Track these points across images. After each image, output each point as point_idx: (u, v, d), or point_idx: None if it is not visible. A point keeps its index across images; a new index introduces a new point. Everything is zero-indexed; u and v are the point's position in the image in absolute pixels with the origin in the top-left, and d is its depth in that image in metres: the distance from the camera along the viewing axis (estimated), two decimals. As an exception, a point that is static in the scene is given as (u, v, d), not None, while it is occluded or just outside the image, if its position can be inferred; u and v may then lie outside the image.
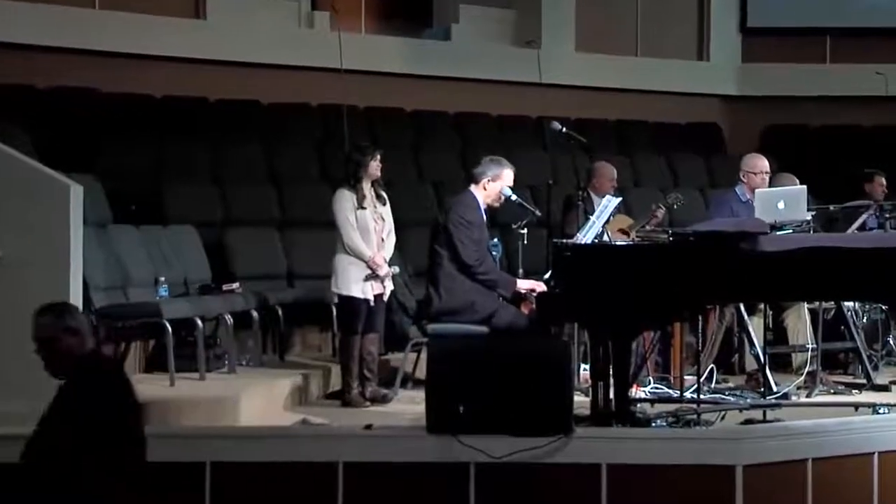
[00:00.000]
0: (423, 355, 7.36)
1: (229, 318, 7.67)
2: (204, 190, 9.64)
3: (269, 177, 10.22)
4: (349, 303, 7.23)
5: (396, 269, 7.38)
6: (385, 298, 7.34)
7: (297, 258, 9.26)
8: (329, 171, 10.22)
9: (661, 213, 8.49)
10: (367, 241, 7.22)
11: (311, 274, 9.10)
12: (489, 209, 7.35)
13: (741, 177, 8.08)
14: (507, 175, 7.28)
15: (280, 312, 8.42)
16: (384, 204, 7.36)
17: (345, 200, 7.24)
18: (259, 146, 10.45)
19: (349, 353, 7.24)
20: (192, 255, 8.44)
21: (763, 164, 8.06)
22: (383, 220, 7.33)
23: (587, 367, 6.93)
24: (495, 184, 7.23)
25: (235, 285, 8.08)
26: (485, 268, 7.13)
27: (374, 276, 7.21)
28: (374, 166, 7.27)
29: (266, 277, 8.98)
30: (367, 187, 7.28)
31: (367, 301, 7.20)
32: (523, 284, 7.20)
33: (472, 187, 7.29)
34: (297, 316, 8.71)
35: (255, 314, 8.02)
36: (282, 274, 9.19)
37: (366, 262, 7.19)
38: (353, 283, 7.19)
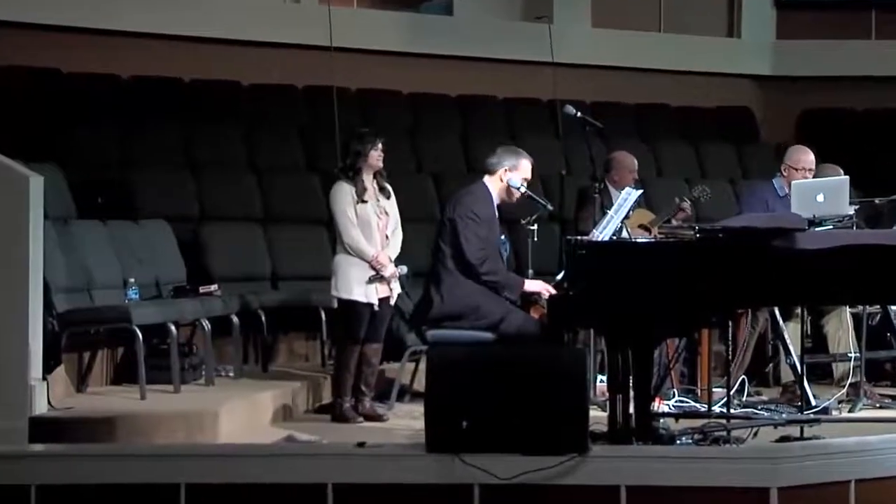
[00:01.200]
0: (422, 365, 7.39)
1: (207, 324, 7.68)
2: (178, 181, 9.64)
3: (250, 167, 10.22)
4: (351, 308, 7.24)
5: (404, 270, 7.37)
6: (392, 302, 7.35)
7: (281, 257, 9.27)
8: (317, 160, 10.24)
9: (686, 206, 8.50)
10: (369, 239, 7.23)
11: (297, 275, 9.12)
12: (501, 205, 7.34)
13: (782, 170, 8.09)
14: (525, 167, 7.28)
15: (263, 317, 8.44)
16: (388, 197, 7.37)
17: (343, 194, 7.24)
18: (240, 132, 10.46)
19: (346, 362, 7.25)
20: (166, 254, 8.45)
21: (808, 158, 8.06)
22: (387, 214, 7.34)
23: (604, 378, 6.93)
24: (512, 174, 7.23)
25: (213, 287, 8.09)
26: (489, 267, 7.13)
27: (378, 277, 7.21)
28: (375, 156, 7.28)
29: (247, 278, 9.00)
30: (368, 179, 7.29)
31: (370, 305, 7.21)
32: (533, 286, 7.19)
33: (487, 179, 7.28)
34: (282, 321, 8.73)
35: (235, 319, 8.04)
36: (265, 275, 9.20)
37: (368, 262, 7.19)
38: (356, 285, 7.19)
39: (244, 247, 9.17)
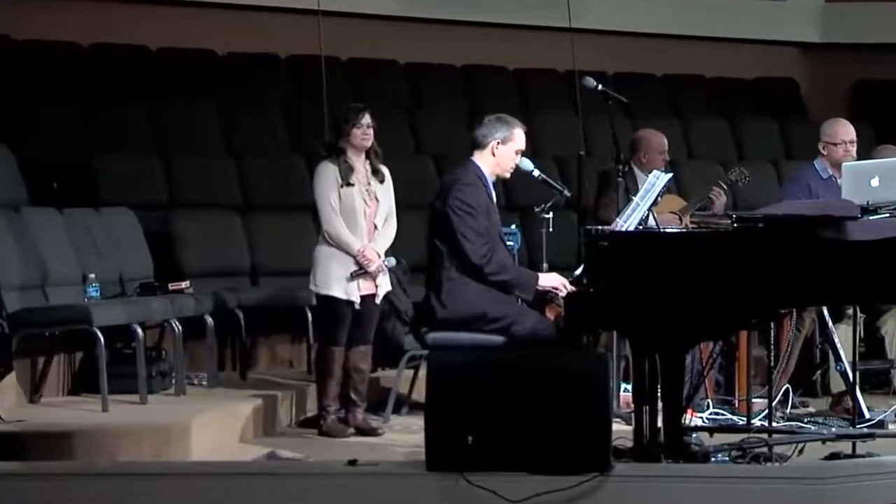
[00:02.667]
0: (422, 372, 7.39)
1: (177, 326, 7.70)
2: (145, 164, 9.66)
3: (226, 148, 10.24)
4: (329, 305, 7.25)
5: (392, 262, 7.39)
6: (378, 301, 7.36)
7: (262, 250, 9.30)
8: (302, 140, 10.25)
9: (722, 192, 8.49)
10: (353, 228, 7.23)
11: (280, 270, 9.14)
12: (499, 183, 7.32)
13: (820, 148, 8.10)
14: (519, 136, 7.25)
15: (241, 318, 8.47)
16: (382, 181, 7.38)
17: (326, 176, 7.26)
18: (214, 109, 10.48)
19: (328, 367, 7.27)
20: (130, 246, 8.46)
21: (846, 131, 8.06)
22: (377, 200, 7.33)
23: (629, 387, 6.94)
24: (505, 147, 7.20)
25: (185, 284, 8.10)
26: (496, 265, 7.11)
27: (361, 272, 7.21)
28: (359, 134, 7.28)
29: (224, 274, 9.02)
30: (356, 159, 7.29)
31: (351, 304, 7.21)
32: (548, 281, 7.19)
33: (476, 155, 7.26)
34: (262, 322, 8.76)
35: (209, 320, 8.06)
36: (243, 269, 9.23)
37: (352, 255, 7.19)
38: (335, 280, 7.21)
39: (220, 238, 9.20)
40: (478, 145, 7.24)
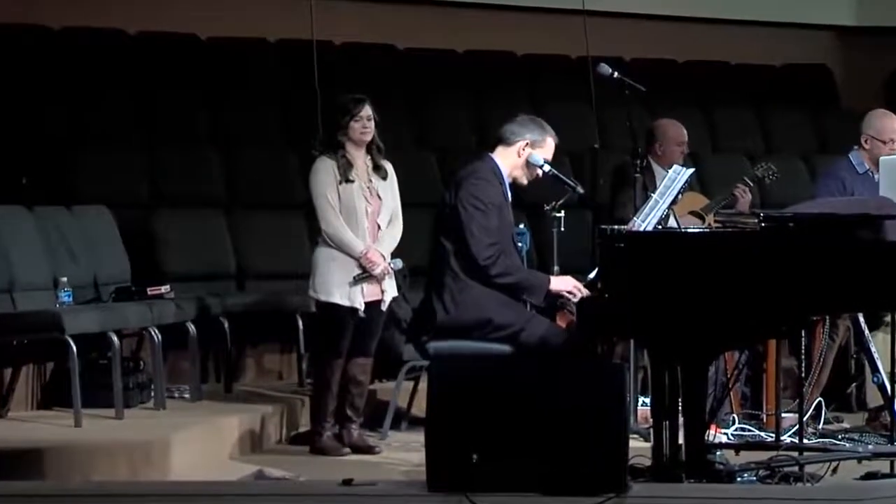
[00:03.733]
0: (423, 384, 7.39)
1: (157, 334, 7.69)
2: (123, 158, 9.66)
3: (211, 139, 10.24)
4: (330, 312, 7.25)
5: (398, 264, 7.37)
6: (384, 308, 7.35)
7: (250, 251, 9.29)
8: (295, 131, 10.23)
9: (747, 189, 8.49)
10: (354, 228, 7.23)
11: (269, 273, 9.14)
12: (514, 186, 7.34)
13: (863, 142, 8.07)
14: (550, 146, 7.31)
15: (226, 325, 8.46)
16: (384, 178, 7.37)
17: (324, 172, 7.26)
18: (198, 97, 10.48)
19: (326, 380, 7.27)
20: (106, 247, 8.45)
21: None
22: (380, 199, 7.34)
23: (647, 400, 6.93)
24: (533, 151, 7.24)
25: (165, 288, 8.09)
26: (502, 267, 7.11)
27: (365, 276, 7.22)
28: (358, 128, 7.28)
29: (208, 277, 9.02)
30: (357, 154, 7.30)
31: (354, 311, 7.21)
32: (560, 284, 7.19)
33: (498, 151, 7.27)
34: (250, 330, 8.76)
35: (191, 328, 8.05)
36: (229, 272, 9.23)
37: (355, 257, 7.20)
38: (336, 285, 7.20)
39: (203, 238, 9.18)
40: (503, 141, 7.26)
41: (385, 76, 11.19)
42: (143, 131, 10.07)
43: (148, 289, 8.00)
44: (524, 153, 7.23)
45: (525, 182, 7.32)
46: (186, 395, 8.07)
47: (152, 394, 7.76)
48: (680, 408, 5.99)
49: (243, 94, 10.68)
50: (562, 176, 7.48)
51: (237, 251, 9.28)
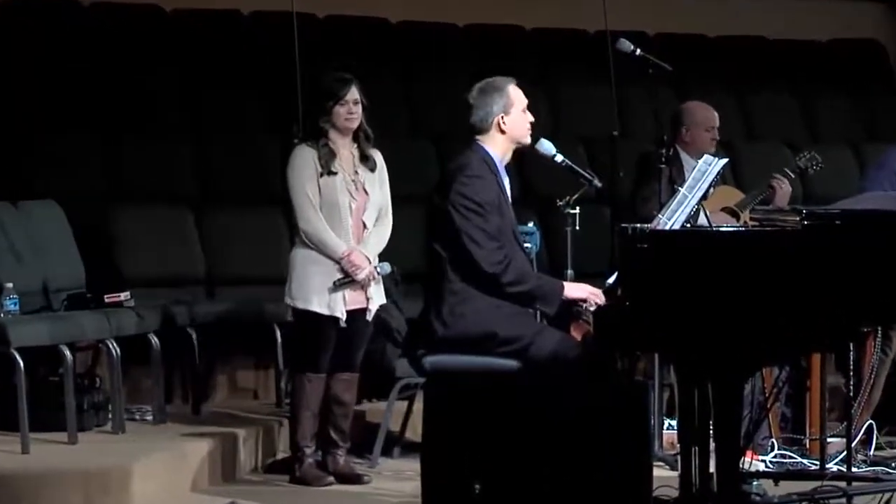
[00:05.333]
0: (418, 404, 7.36)
1: (115, 347, 7.67)
2: (78, 146, 9.66)
3: (177, 124, 10.24)
4: (308, 322, 7.25)
5: (386, 268, 7.38)
6: (370, 317, 7.35)
7: (222, 253, 9.30)
8: (271, 116, 10.25)
9: (778, 184, 8.49)
10: (337, 226, 7.23)
11: (242, 278, 9.14)
12: (514, 170, 7.29)
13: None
14: (515, 93, 7.21)
15: (195, 337, 8.45)
16: (373, 169, 7.37)
17: (302, 163, 7.26)
18: (163, 76, 10.46)
19: (304, 398, 7.27)
20: (58, 248, 8.43)
21: None
22: (367, 193, 7.33)
23: (674, 423, 6.92)
24: (510, 116, 7.16)
25: (125, 295, 8.08)
26: (514, 273, 7.05)
27: (348, 280, 7.20)
28: (342, 112, 7.28)
29: (173, 283, 9.03)
30: (340, 142, 7.30)
31: (335, 320, 7.21)
32: (575, 292, 7.16)
33: (480, 138, 7.22)
34: (221, 343, 8.77)
35: (155, 341, 8.04)
36: (198, 277, 9.24)
37: (336, 260, 7.19)
38: (315, 291, 7.20)
39: (169, 238, 9.19)
40: (480, 131, 7.23)
41: (375, 53, 11.20)
42: (99, 115, 10.04)
43: (105, 296, 7.98)
44: (506, 126, 7.18)
45: (528, 141, 7.23)
46: (149, 417, 8.07)
47: (110, 415, 7.75)
48: (711, 431, 5.98)
49: (214, 74, 10.65)
50: (576, 167, 7.47)
51: (207, 253, 9.28)
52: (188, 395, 8.66)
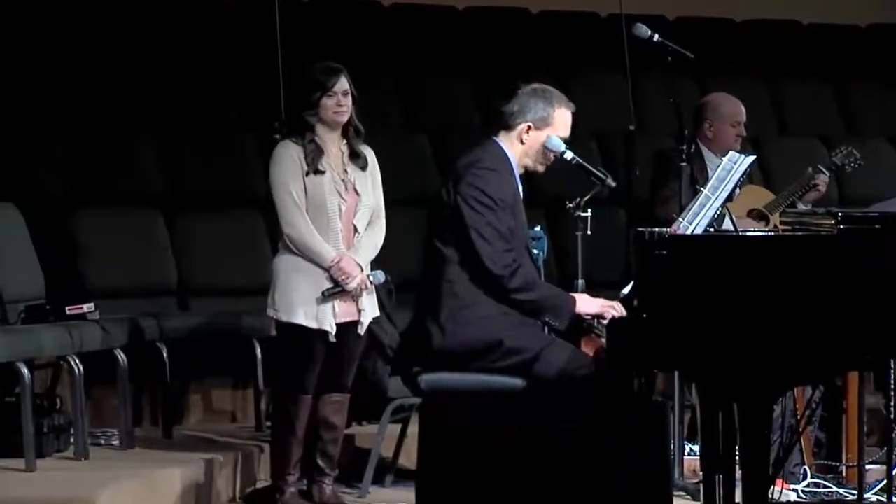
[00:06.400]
0: (413, 428, 7.36)
1: (77, 364, 7.66)
2: (37, 144, 9.67)
3: (147, 121, 10.25)
4: (293, 337, 7.25)
5: (380, 277, 7.39)
6: (362, 331, 7.36)
7: (195, 261, 9.33)
8: (252, 110, 10.27)
9: (823, 181, 8.49)
10: (324, 230, 7.24)
11: (218, 288, 9.18)
12: (527, 175, 7.33)
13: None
14: (561, 119, 7.26)
15: (165, 354, 8.45)
16: (363, 167, 7.38)
17: (286, 160, 7.27)
18: (131, 69, 10.48)
19: (289, 422, 7.27)
20: (15, 256, 8.43)
21: None
22: (357, 194, 7.34)
23: (696, 448, 6.91)
24: (539, 134, 7.21)
25: (88, 307, 8.07)
26: (521, 280, 7.08)
27: (338, 290, 7.20)
28: (330, 105, 7.29)
29: (142, 293, 9.04)
30: (328, 138, 7.31)
31: (324, 334, 7.21)
32: (587, 306, 7.17)
33: (501, 137, 7.27)
34: (195, 360, 8.80)
35: (121, 357, 8.03)
36: (169, 287, 9.26)
37: (324, 268, 7.20)
38: (300, 303, 7.21)
39: (138, 244, 9.20)
40: (504, 126, 7.23)
41: (367, 40, 11.22)
42: (60, 112, 10.06)
43: (66, 308, 7.97)
44: (528, 138, 7.19)
45: (540, 169, 7.28)
46: (115, 442, 8.07)
47: (72, 440, 7.75)
48: (737, 458, 5.99)
49: (187, 65, 10.67)
50: (588, 165, 7.46)
51: (179, 261, 9.31)
52: (158, 418, 8.67)
